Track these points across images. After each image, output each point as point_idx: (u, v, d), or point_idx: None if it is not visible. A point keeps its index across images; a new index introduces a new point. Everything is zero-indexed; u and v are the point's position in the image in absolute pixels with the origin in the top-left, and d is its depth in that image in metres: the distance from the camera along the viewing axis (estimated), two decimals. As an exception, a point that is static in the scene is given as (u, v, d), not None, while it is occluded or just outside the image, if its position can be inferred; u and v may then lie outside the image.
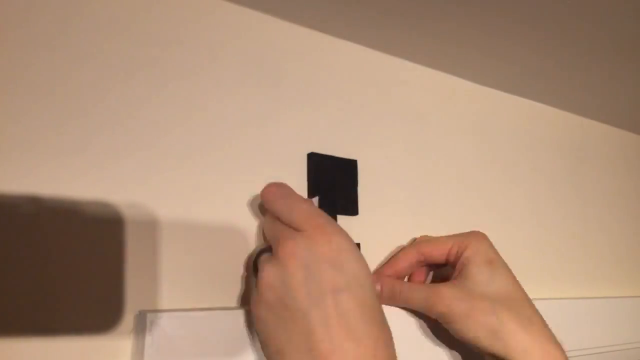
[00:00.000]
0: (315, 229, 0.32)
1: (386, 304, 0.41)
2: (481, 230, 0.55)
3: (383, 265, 0.45)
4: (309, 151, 0.44)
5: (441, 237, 0.44)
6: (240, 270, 0.38)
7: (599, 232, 0.69)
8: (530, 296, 0.57)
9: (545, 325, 0.39)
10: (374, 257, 0.46)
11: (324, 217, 0.33)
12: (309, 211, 0.33)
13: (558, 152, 0.68)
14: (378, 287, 0.41)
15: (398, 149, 0.51)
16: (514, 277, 0.41)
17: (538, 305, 0.53)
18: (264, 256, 0.34)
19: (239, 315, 0.35)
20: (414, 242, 0.46)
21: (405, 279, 0.45)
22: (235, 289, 0.38)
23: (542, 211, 0.63)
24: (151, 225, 0.35)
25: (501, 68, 0.56)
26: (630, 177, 0.78)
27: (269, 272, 0.31)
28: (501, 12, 0.45)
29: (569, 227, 0.66)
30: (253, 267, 0.37)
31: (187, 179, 0.38)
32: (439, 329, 0.43)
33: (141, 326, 0.32)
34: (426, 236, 0.47)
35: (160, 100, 0.38)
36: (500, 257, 0.41)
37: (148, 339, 0.31)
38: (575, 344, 0.55)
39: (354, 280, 0.31)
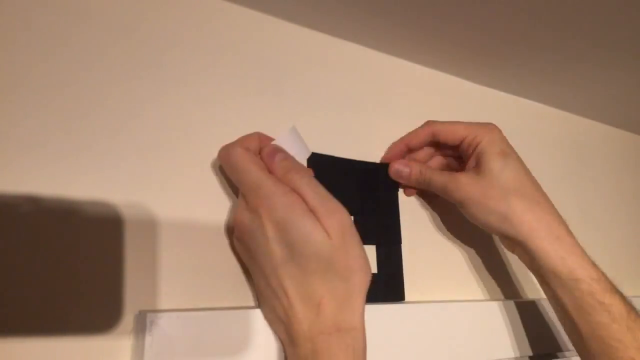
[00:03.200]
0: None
1: (412, 185, 0.47)
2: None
3: (398, 140, 0.48)
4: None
5: (455, 123, 0.46)
6: (240, 270, 0.38)
7: (599, 232, 0.69)
8: (531, 296, 0.57)
9: (551, 206, 0.42)
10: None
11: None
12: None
13: (558, 152, 0.68)
14: (407, 170, 0.45)
15: (398, 149, 0.51)
16: (524, 167, 0.44)
17: (538, 305, 0.54)
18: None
19: (239, 315, 0.35)
20: (428, 122, 0.47)
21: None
22: (235, 289, 0.38)
23: (542, 211, 0.63)
24: (151, 225, 0.35)
25: (502, 68, 0.56)
26: (630, 177, 0.78)
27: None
28: (501, 12, 0.45)
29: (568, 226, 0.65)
30: None
31: (186, 179, 0.38)
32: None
33: (141, 326, 0.32)
34: (435, 121, 0.47)
35: (160, 101, 0.38)
36: (512, 149, 0.44)
37: (148, 339, 0.31)
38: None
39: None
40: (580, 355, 0.41)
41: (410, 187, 0.48)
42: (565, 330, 0.42)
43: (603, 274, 0.40)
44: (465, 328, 0.45)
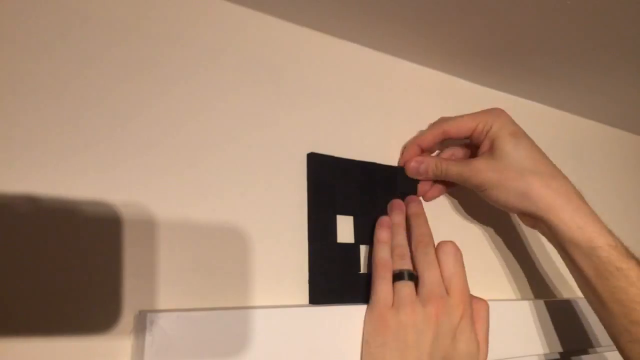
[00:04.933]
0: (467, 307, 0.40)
1: (428, 179, 0.49)
2: (480, 229, 0.55)
3: (411, 142, 0.50)
4: (309, 151, 0.44)
5: (463, 118, 0.48)
6: (240, 270, 0.38)
7: (599, 232, 0.69)
8: (531, 296, 0.57)
9: (566, 179, 0.44)
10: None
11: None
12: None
13: (558, 152, 0.68)
14: (423, 166, 0.47)
15: (397, 149, 0.51)
16: (535, 145, 0.45)
17: (538, 305, 0.54)
18: (408, 285, 0.39)
19: (239, 315, 0.35)
20: (438, 121, 0.49)
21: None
22: (235, 289, 0.38)
23: (542, 211, 0.63)
24: (151, 225, 0.35)
25: (502, 68, 0.56)
26: (630, 177, 0.78)
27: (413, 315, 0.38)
28: (501, 13, 0.45)
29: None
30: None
31: (186, 179, 0.38)
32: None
33: (141, 326, 0.32)
34: (444, 117, 0.50)
35: (160, 101, 0.38)
36: (521, 129, 0.46)
37: (148, 339, 0.31)
38: (575, 344, 0.55)
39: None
40: (600, 318, 0.43)
41: (427, 183, 0.50)
42: (586, 297, 0.44)
43: (619, 240, 0.42)
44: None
